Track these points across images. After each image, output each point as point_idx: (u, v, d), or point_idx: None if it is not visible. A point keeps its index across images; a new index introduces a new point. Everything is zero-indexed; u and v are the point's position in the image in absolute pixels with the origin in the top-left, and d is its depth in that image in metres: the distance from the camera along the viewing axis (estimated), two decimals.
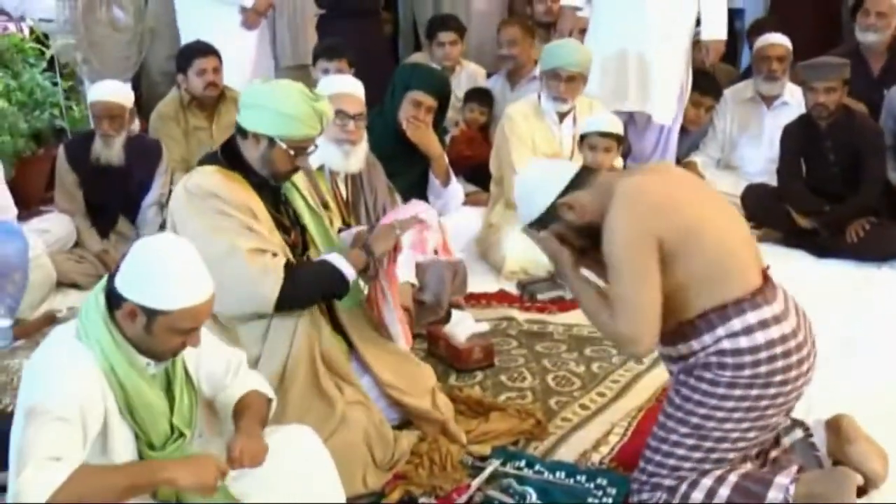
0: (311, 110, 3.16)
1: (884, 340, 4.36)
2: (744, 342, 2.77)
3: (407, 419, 3.44)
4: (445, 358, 4.14)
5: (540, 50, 5.68)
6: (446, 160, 5.15)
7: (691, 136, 6.54)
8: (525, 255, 5.11)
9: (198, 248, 2.45)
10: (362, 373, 3.38)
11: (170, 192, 5.30)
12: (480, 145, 6.33)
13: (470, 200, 5.59)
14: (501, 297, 4.92)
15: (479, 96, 6.53)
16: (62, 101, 6.38)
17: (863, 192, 5.49)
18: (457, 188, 5.21)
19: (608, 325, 2.84)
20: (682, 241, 2.78)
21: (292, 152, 3.18)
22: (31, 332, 4.38)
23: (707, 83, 6.51)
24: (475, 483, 3.18)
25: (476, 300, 4.81)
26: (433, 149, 5.04)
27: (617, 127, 5.08)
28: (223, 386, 2.70)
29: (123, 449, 2.40)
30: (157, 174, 5.40)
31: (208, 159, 3.30)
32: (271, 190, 3.31)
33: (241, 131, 3.21)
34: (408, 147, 5.01)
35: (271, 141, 3.17)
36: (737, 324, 2.78)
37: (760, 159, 6.34)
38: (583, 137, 5.05)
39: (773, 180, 5.87)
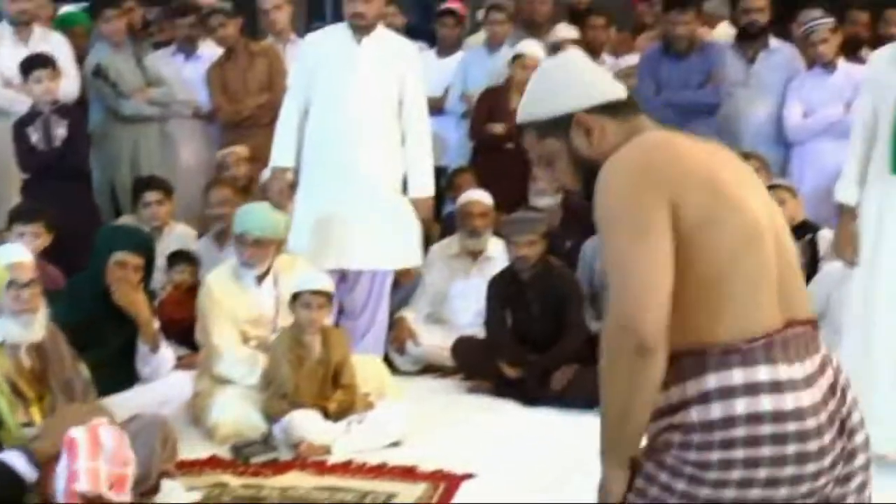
0: None
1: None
2: (740, 407, 1.98)
3: None
4: None
5: None
6: (156, 324, 5.06)
7: (401, 291, 6.68)
8: (237, 417, 5.05)
9: None
10: None
11: None
12: (190, 307, 6.24)
13: (182, 364, 5.49)
14: (213, 463, 4.81)
15: (185, 258, 6.48)
16: None
17: (565, 341, 5.74)
18: (166, 353, 5.13)
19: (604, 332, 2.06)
20: (699, 225, 2.03)
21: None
22: None
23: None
24: None
25: (188, 467, 4.68)
26: (142, 313, 4.96)
27: (328, 284, 5.16)
28: None
29: None
30: None
31: None
32: None
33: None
34: (115, 312, 4.90)
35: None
36: (712, 380, 1.99)
37: (469, 311, 6.53)
38: (295, 296, 5.08)
39: (482, 332, 6.05)
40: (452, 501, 4.38)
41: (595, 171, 2.17)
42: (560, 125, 2.25)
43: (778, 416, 1.96)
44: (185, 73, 7.82)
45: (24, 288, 4.06)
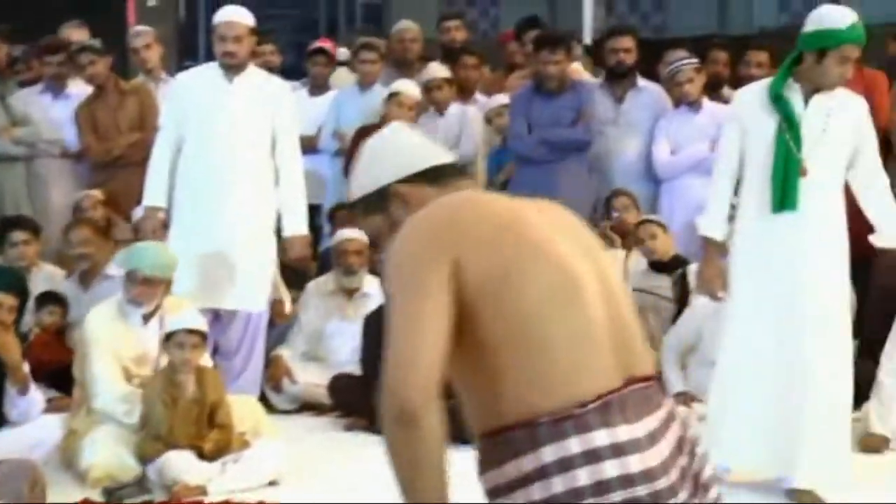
0: None
1: None
2: (583, 477, 1.83)
3: None
4: None
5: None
6: (25, 367, 4.93)
7: (277, 329, 6.64)
8: (111, 459, 4.96)
9: None
10: None
11: None
12: (59, 349, 6.12)
13: (52, 407, 5.37)
14: None
15: (54, 299, 6.34)
16: None
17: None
18: (36, 396, 5.00)
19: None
20: (497, 280, 1.91)
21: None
22: None
23: (296, 278, 6.69)
24: None
25: None
26: (12, 356, 4.82)
27: (202, 323, 5.10)
28: None
29: None
30: None
31: None
32: None
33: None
34: None
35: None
36: (548, 453, 1.84)
37: (346, 349, 6.50)
38: (169, 336, 5.01)
39: (359, 369, 6.04)
40: None
41: None
42: (380, 200, 2.17)
43: (626, 481, 1.82)
44: (55, 112, 7.65)
45: None
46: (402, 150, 2.21)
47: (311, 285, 6.77)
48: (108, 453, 4.98)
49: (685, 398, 5.54)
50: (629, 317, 2.05)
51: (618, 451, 1.83)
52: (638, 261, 6.71)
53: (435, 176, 2.16)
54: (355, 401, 5.87)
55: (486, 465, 1.92)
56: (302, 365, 6.54)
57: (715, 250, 4.62)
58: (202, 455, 4.96)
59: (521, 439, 1.85)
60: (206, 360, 5.29)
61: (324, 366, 6.53)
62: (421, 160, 2.18)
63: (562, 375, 1.88)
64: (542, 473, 1.83)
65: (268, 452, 5.08)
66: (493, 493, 1.91)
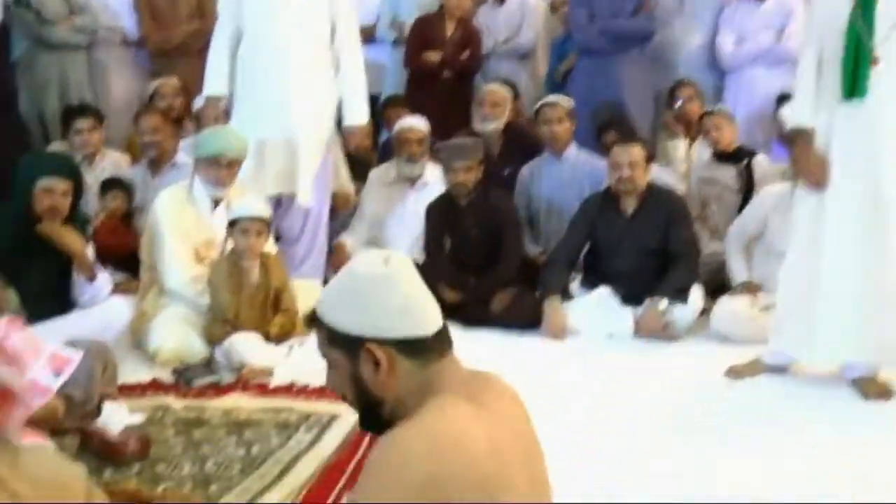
0: None
1: (534, 393, 4.56)
2: None
3: None
4: (99, 453, 3.97)
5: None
6: (90, 253, 4.99)
7: (339, 217, 6.66)
8: (179, 341, 5.03)
9: None
10: None
11: None
12: (124, 234, 6.19)
13: (119, 290, 5.42)
14: (156, 386, 4.78)
15: (118, 184, 6.39)
16: None
17: (503, 265, 5.79)
18: (103, 280, 5.06)
19: None
20: None
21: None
22: None
23: (361, 168, 6.69)
24: None
25: (130, 390, 4.64)
26: (72, 245, 4.85)
27: (266, 210, 5.13)
28: None
29: None
30: None
31: None
32: None
33: None
34: (44, 244, 4.81)
35: None
36: None
37: (408, 237, 6.53)
38: (233, 223, 5.05)
39: (421, 257, 6.06)
40: None
41: (375, 405, 2.07)
42: (349, 343, 2.06)
43: None
44: (113, 0, 7.64)
45: None
46: (391, 306, 2.05)
47: (373, 174, 6.77)
48: (177, 335, 5.06)
49: (749, 287, 5.51)
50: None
51: None
52: (702, 151, 6.65)
53: (414, 350, 2.05)
54: None
55: None
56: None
57: (806, 139, 4.52)
58: (268, 339, 5.02)
59: None
60: (270, 246, 5.33)
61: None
62: (406, 327, 2.05)
63: None
64: None
65: None
66: None
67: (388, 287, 2.06)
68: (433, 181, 6.49)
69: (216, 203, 5.35)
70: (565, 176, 6.40)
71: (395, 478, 1.89)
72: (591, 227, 5.76)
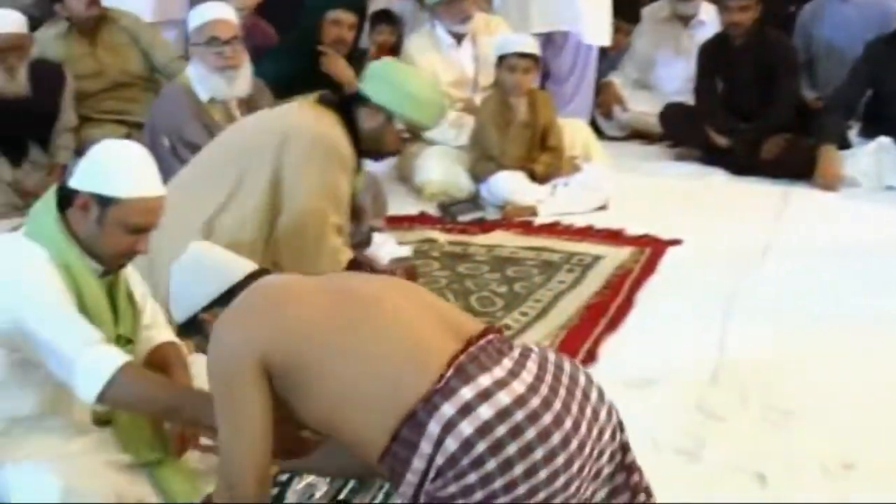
0: (438, 102, 3.48)
1: (799, 249, 4.47)
2: (466, 428, 1.94)
3: None
4: None
5: None
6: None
7: (609, 58, 6.54)
8: (446, 176, 5.12)
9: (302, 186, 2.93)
10: None
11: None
12: None
13: None
14: (422, 220, 4.91)
15: (386, 18, 6.44)
16: None
17: (776, 110, 5.57)
18: None
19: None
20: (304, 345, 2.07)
21: (402, 133, 3.43)
22: None
23: (627, 8, 6.51)
24: None
25: (397, 223, 4.77)
26: (348, 77, 4.96)
27: (534, 47, 5.08)
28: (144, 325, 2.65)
29: None
30: (65, 99, 5.25)
31: (324, 102, 3.48)
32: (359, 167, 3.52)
33: (362, 98, 3.43)
34: (323, 77, 4.94)
35: (389, 118, 3.41)
36: (433, 427, 1.95)
37: (678, 78, 6.35)
38: (501, 59, 5.02)
39: (690, 99, 5.90)
40: (658, 266, 4.34)
41: None
42: (195, 325, 2.32)
43: (502, 414, 1.95)
44: None
45: (225, 45, 4.12)
46: (199, 278, 2.32)
47: (647, 11, 6.59)
48: (443, 170, 5.14)
49: None
50: (442, 304, 2.25)
51: (484, 395, 1.96)
52: None
53: (233, 293, 2.24)
54: (686, 130, 5.78)
55: (397, 480, 2.02)
56: (632, 93, 6.45)
57: None
58: (533, 177, 5.04)
59: (410, 434, 1.98)
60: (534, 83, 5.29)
61: (654, 94, 6.42)
62: (217, 283, 2.29)
63: (405, 374, 2.01)
64: (438, 443, 1.95)
65: (597, 177, 5.10)
66: (415, 495, 2.02)
67: (186, 269, 2.35)
68: (708, 20, 6.25)
69: (459, 39, 5.34)
70: (850, 16, 6.05)
71: (213, 335, 2.14)
72: (874, 73, 5.45)
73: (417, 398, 1.97)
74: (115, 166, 2.34)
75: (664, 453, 2.83)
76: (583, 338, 3.61)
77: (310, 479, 2.69)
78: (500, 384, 1.98)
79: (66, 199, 2.36)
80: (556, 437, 1.96)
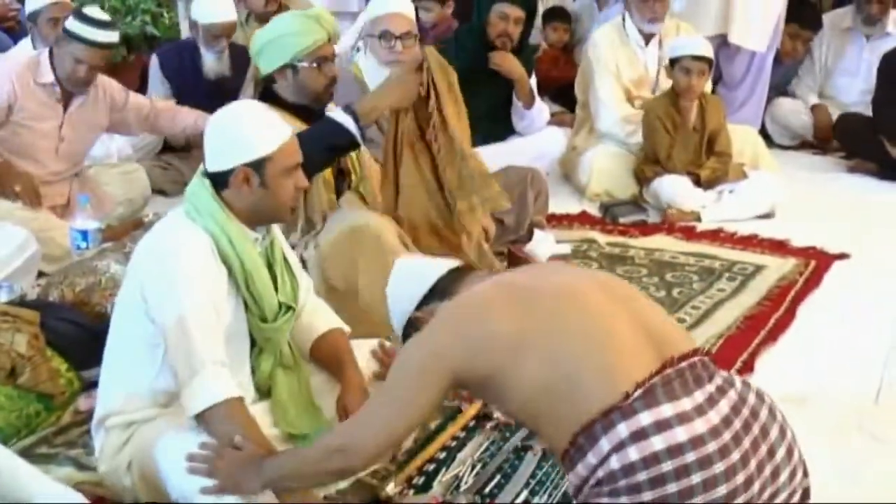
0: (304, 19, 3.37)
1: None
2: (633, 454, 1.93)
3: None
4: None
5: None
6: (531, 81, 5.09)
7: (784, 66, 6.39)
8: (609, 177, 5.09)
9: None
10: None
11: None
12: (565, 65, 6.26)
13: (554, 121, 5.52)
14: (583, 219, 4.89)
15: (559, 15, 6.42)
16: (153, 7, 6.38)
17: None
18: (540, 109, 5.15)
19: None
20: (508, 353, 2.06)
21: (315, 65, 3.33)
22: (119, 235, 4.44)
23: (809, 15, 6.35)
24: None
25: (558, 221, 4.77)
26: (516, 72, 4.97)
27: (709, 51, 5.01)
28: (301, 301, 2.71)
29: (235, 322, 2.46)
30: (248, 78, 5.40)
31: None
32: (317, 116, 3.39)
33: (268, 78, 3.41)
34: (492, 71, 4.95)
35: (292, 67, 3.35)
36: (604, 443, 1.95)
37: (855, 90, 6.19)
38: (674, 62, 4.97)
39: (868, 111, 5.74)
40: (823, 280, 4.22)
41: None
42: (414, 328, 2.33)
43: (673, 451, 1.91)
44: None
45: (397, 40, 4.15)
46: (408, 281, 2.44)
47: (826, 20, 6.42)
48: (607, 171, 5.12)
49: None
50: (648, 305, 2.20)
51: (662, 426, 1.92)
52: None
53: (441, 288, 2.36)
54: (863, 142, 5.62)
55: (567, 471, 2.06)
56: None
57: None
58: (698, 182, 4.96)
59: (585, 442, 1.98)
60: (707, 87, 5.21)
61: (831, 104, 6.26)
62: (424, 281, 2.39)
63: (594, 383, 1.99)
64: (604, 458, 1.95)
65: (765, 185, 5.00)
66: (575, 494, 2.05)
67: (398, 277, 2.48)
68: (893, 31, 6.05)
69: (647, 39, 5.29)
70: None
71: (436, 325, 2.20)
72: None
73: (599, 412, 1.96)
74: (247, 130, 2.42)
75: (818, 475, 2.75)
76: (740, 348, 3.54)
77: (456, 470, 2.71)
78: (683, 418, 1.94)
79: (218, 177, 2.43)
80: (722, 489, 1.91)
